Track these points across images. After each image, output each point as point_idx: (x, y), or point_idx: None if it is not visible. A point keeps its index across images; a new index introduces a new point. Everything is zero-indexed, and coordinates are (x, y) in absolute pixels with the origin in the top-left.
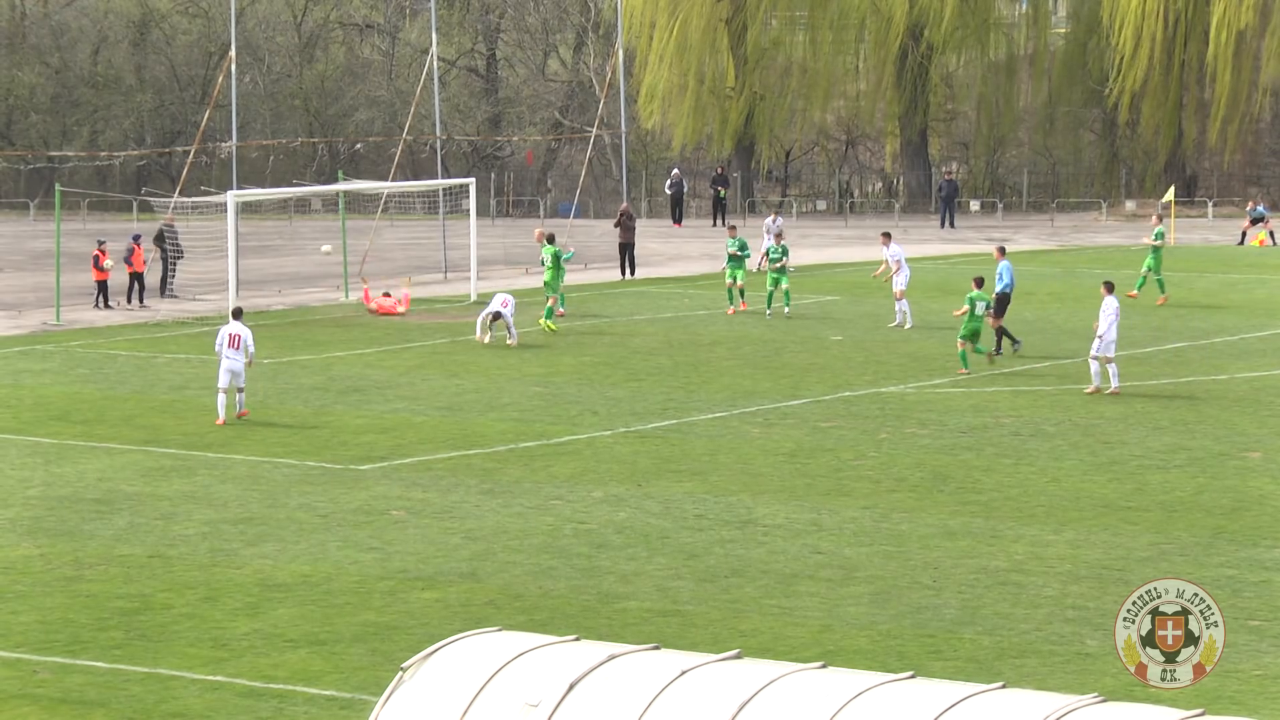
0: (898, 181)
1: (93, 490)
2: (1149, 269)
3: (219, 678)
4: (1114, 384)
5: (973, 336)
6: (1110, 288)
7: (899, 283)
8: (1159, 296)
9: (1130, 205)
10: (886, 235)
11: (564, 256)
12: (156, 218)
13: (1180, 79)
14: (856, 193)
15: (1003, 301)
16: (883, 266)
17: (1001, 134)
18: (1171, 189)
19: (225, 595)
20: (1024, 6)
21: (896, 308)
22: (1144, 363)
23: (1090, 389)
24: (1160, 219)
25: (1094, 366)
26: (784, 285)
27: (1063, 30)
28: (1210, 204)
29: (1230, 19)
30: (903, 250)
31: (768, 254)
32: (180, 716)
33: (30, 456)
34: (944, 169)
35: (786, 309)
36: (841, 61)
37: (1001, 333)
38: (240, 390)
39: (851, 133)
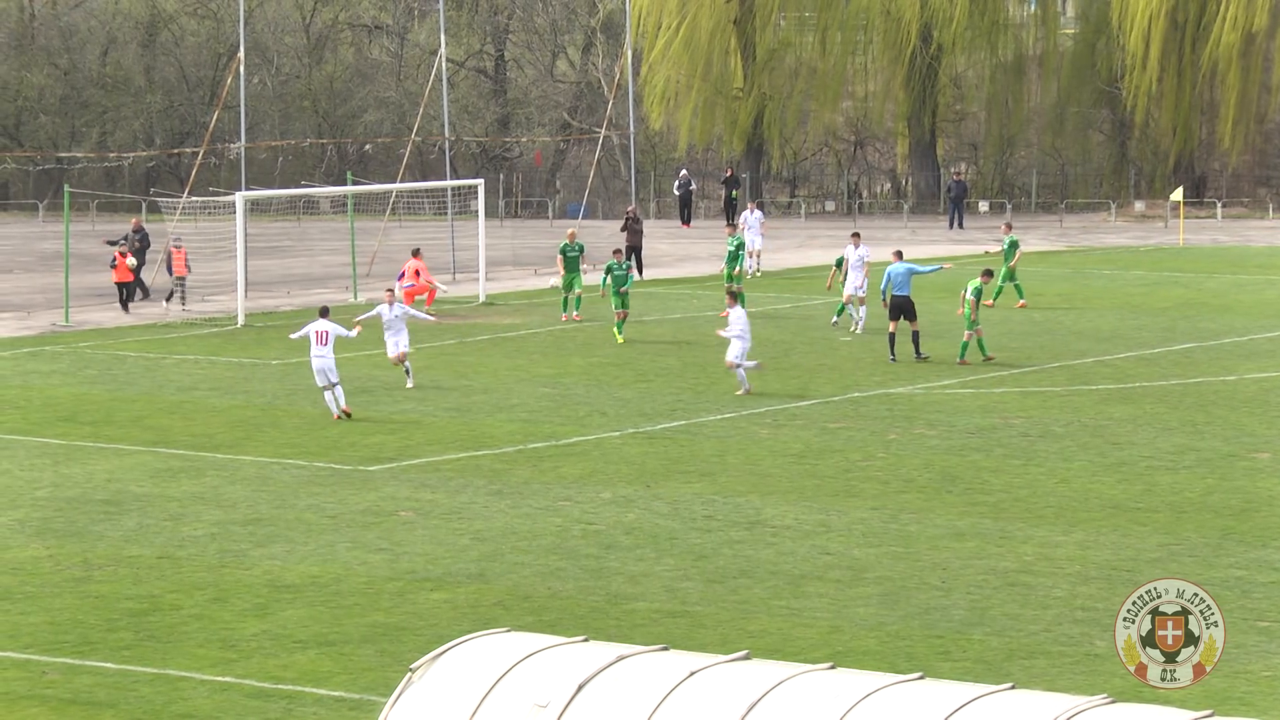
0: (906, 182)
1: (101, 491)
2: (1005, 279)
3: (228, 678)
4: (744, 387)
5: (973, 325)
6: (734, 297)
7: (852, 286)
8: (1018, 300)
9: (1139, 206)
10: (856, 235)
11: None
12: (165, 219)
13: (1190, 80)
14: (865, 193)
15: (899, 306)
16: (837, 272)
17: (1010, 135)
18: (1180, 189)
19: (234, 596)
20: (1033, 7)
21: (861, 312)
22: (1153, 363)
23: (741, 391)
24: (1009, 228)
25: (739, 374)
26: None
27: (1071, 31)
28: (1219, 205)
29: (1239, 20)
30: (869, 253)
31: (838, 264)
32: (189, 717)
33: (39, 457)
34: (953, 170)
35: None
36: (850, 62)
37: (909, 336)
38: (337, 384)
39: (860, 133)
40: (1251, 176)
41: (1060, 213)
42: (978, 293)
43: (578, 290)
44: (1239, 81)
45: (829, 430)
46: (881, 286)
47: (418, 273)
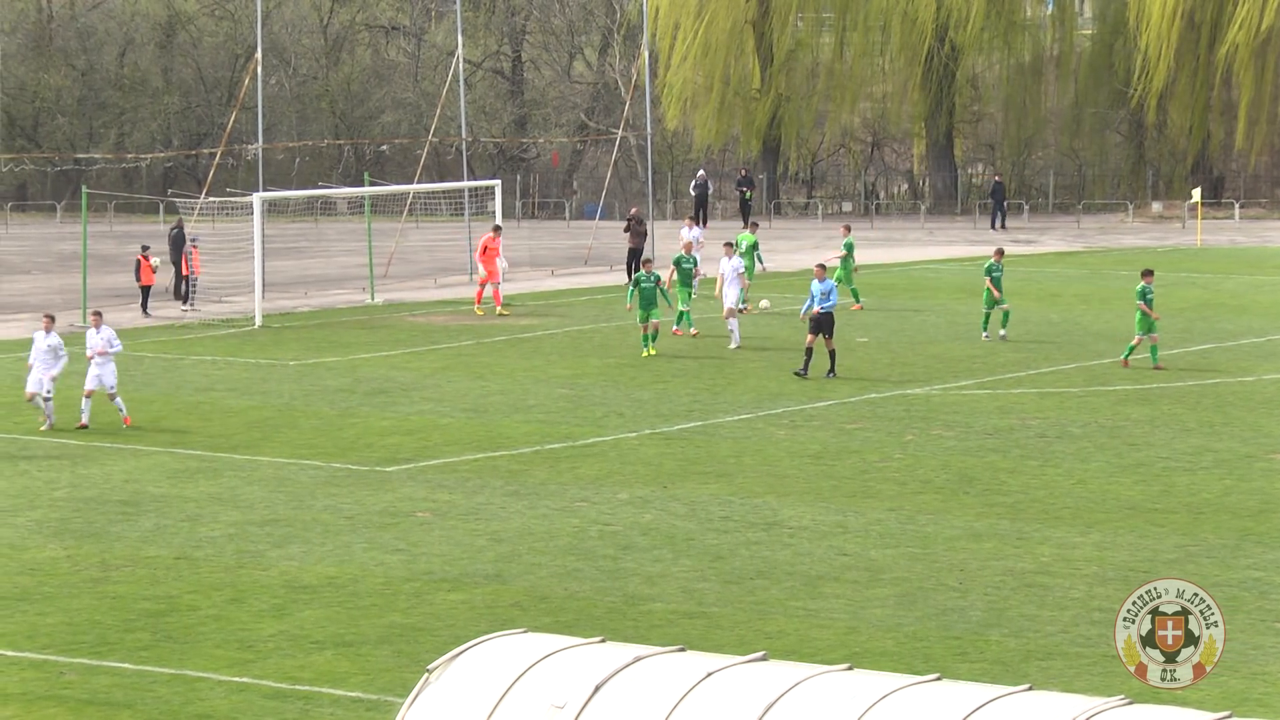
0: (923, 183)
1: (119, 492)
2: (839, 279)
3: (245, 679)
4: (49, 421)
5: (1146, 329)
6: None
7: (730, 299)
8: (854, 304)
9: (1156, 207)
10: (729, 245)
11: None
12: (183, 220)
13: (1205, 80)
14: (882, 194)
15: (819, 321)
16: (719, 282)
17: (1027, 135)
18: (1198, 190)
19: (251, 597)
20: (1050, 8)
21: (733, 324)
22: (1170, 365)
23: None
24: (848, 230)
25: (49, 408)
26: (1004, 305)
27: (1088, 32)
28: (1237, 205)
29: (1253, 21)
30: (742, 265)
31: (988, 272)
32: (207, 718)
33: (57, 458)
34: (994, 171)
35: (1003, 331)
36: (868, 63)
37: (826, 353)
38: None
39: (877, 134)
40: (1269, 177)
41: (1077, 214)
42: (1140, 294)
43: (685, 305)
44: (1254, 83)
45: (846, 431)
46: (806, 305)
47: (485, 249)
